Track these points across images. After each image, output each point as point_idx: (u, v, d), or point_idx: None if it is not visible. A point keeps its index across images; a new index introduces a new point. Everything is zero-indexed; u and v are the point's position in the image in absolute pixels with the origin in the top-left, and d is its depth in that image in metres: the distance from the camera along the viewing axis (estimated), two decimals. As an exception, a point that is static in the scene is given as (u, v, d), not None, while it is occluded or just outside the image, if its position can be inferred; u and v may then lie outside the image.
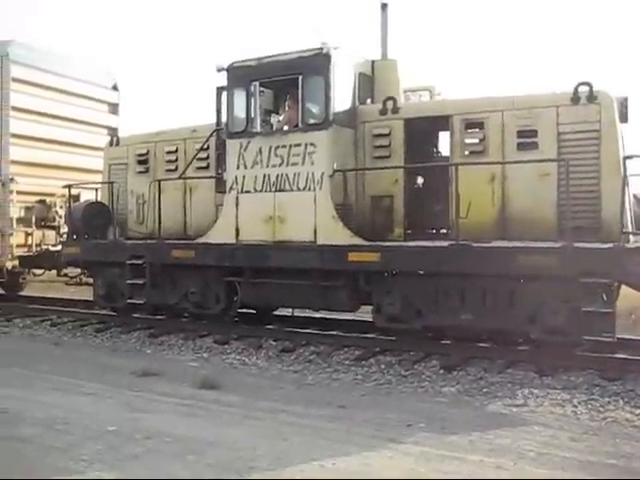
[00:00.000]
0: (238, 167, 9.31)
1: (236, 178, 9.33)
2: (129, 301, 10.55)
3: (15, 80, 12.32)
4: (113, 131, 14.04)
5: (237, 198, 9.33)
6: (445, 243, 7.98)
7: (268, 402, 6.50)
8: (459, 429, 5.63)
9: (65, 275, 12.61)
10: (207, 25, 42.08)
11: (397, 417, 5.97)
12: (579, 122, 7.80)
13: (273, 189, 9.03)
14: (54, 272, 13.05)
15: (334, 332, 9.69)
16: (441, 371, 7.70)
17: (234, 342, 9.39)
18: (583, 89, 7.77)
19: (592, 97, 7.72)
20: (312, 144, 8.72)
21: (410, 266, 8.20)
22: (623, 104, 8.02)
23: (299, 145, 8.83)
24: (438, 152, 9.23)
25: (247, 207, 9.24)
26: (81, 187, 12.45)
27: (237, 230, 9.34)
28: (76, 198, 12.55)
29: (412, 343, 8.61)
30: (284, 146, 8.94)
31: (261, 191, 9.12)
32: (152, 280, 10.27)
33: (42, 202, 12.79)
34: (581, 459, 4.92)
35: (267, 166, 9.07)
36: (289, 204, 8.91)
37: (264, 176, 9.09)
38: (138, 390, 6.97)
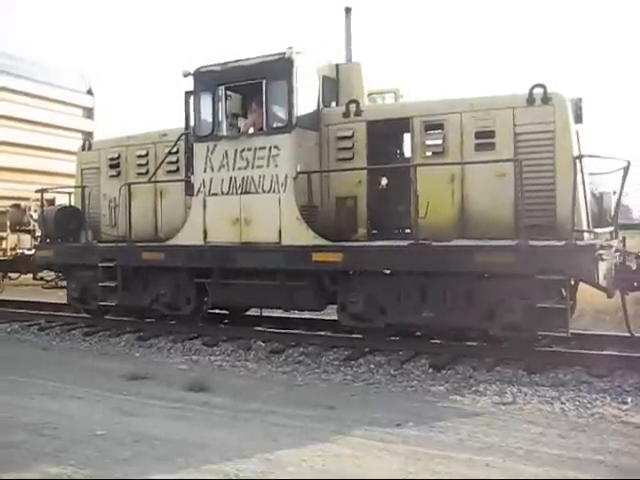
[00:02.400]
0: (205, 170, 9.44)
1: (203, 181, 9.46)
2: (101, 303, 10.65)
3: (-13, 86, 12.42)
4: (88, 135, 14.14)
5: (204, 200, 9.46)
6: (404, 242, 8.14)
7: (257, 403, 6.53)
8: (448, 428, 5.67)
9: (41, 279, 12.65)
10: (181, 29, 42.25)
11: (386, 416, 6.01)
12: (534, 123, 7.98)
13: (239, 191, 9.17)
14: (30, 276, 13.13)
15: (323, 332, 9.73)
16: (430, 370, 7.77)
17: (223, 344, 9.44)
18: (538, 91, 7.95)
19: (546, 99, 7.91)
20: (276, 147, 8.87)
21: (371, 265, 8.36)
22: (577, 105, 8.19)
23: (264, 148, 8.98)
24: (401, 153, 9.38)
25: (214, 209, 9.38)
26: (56, 191, 12.52)
27: (205, 232, 9.47)
28: (51, 202, 12.66)
29: (401, 343, 8.70)
30: (249, 149, 9.09)
31: (228, 194, 9.26)
32: (124, 282, 10.37)
33: (17, 206, 12.89)
34: (569, 456, 4.96)
35: (233, 169, 9.21)
36: (254, 206, 9.05)
37: (230, 179, 9.23)
38: (127, 393, 6.99)
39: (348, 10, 9.85)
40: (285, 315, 10.70)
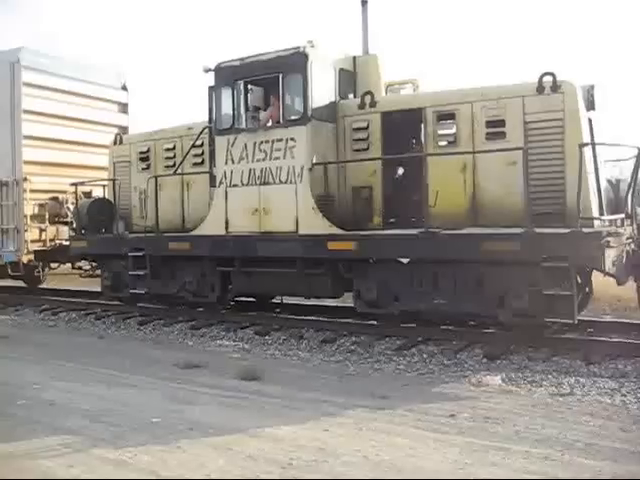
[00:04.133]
0: (226, 162, 9.77)
1: (224, 173, 9.80)
2: (131, 291, 11.15)
3: (26, 85, 13.05)
4: (123, 130, 14.65)
5: (226, 192, 9.80)
6: (415, 231, 8.31)
7: (310, 392, 6.50)
8: (504, 419, 5.53)
9: (79, 268, 13.21)
10: (206, 22, 42.85)
11: (440, 407, 5.91)
12: (544, 111, 8.03)
13: (258, 182, 9.47)
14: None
15: (375, 322, 9.51)
16: (484, 360, 7.67)
17: (275, 333, 9.55)
18: (547, 79, 7.99)
19: (556, 87, 7.95)
20: (292, 139, 9.13)
21: (383, 253, 8.57)
22: (589, 92, 8.22)
23: (281, 140, 9.25)
24: (416, 144, 9.51)
25: (235, 200, 9.71)
26: (93, 184, 13.08)
27: (227, 222, 9.81)
28: (88, 195, 13.22)
29: (455, 332, 8.68)
30: (267, 141, 9.38)
31: (247, 185, 9.57)
32: (152, 271, 10.84)
33: (55, 199, 13.49)
34: (632, 450, 4.75)
35: (252, 161, 9.51)
36: (273, 197, 9.35)
37: (250, 170, 9.54)
38: (181, 382, 7.05)
39: (364, 2, 10.00)
40: (336, 303, 10.80)
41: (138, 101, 15.70)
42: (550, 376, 6.93)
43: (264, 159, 9.41)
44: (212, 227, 10.00)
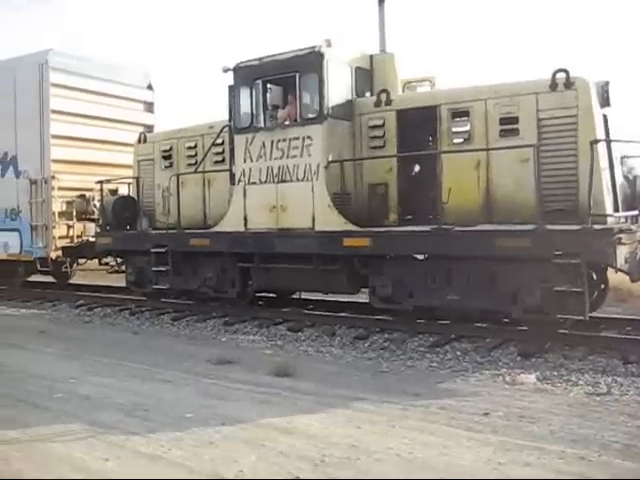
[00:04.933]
0: (245, 160, 9.97)
1: (243, 171, 10.00)
2: (154, 286, 11.43)
3: (54, 85, 13.42)
4: (149, 128, 14.94)
5: (245, 189, 10.00)
6: (428, 228, 8.41)
7: (342, 389, 6.49)
8: (539, 418, 5.43)
9: (106, 264, 13.54)
10: (229, 22, 43.15)
11: (474, 405, 5.85)
12: (557, 108, 8.05)
13: (276, 180, 9.65)
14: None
15: (411, 319, 9.34)
16: (519, 358, 7.59)
17: (307, 329, 9.55)
18: (560, 76, 8.01)
19: (569, 83, 7.96)
20: (309, 137, 9.29)
21: (397, 250, 8.68)
22: (604, 88, 8.21)
23: (297, 138, 9.41)
24: (431, 141, 9.58)
25: (253, 197, 9.91)
26: (119, 182, 13.41)
27: (245, 219, 10.01)
28: (114, 192, 13.56)
29: (489, 330, 8.65)
30: (284, 140, 9.55)
31: (265, 182, 9.76)
32: (174, 267, 11.11)
33: (82, 197, 13.85)
34: None
35: (270, 159, 9.69)
36: (290, 194, 9.52)
37: (267, 168, 9.72)
38: (214, 377, 7.08)
39: (381, 1, 10.10)
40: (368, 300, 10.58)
41: (163, 100, 15.99)
42: (586, 375, 6.83)
43: (281, 157, 9.58)
44: (231, 224, 10.21)
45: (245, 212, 10.01)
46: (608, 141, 7.90)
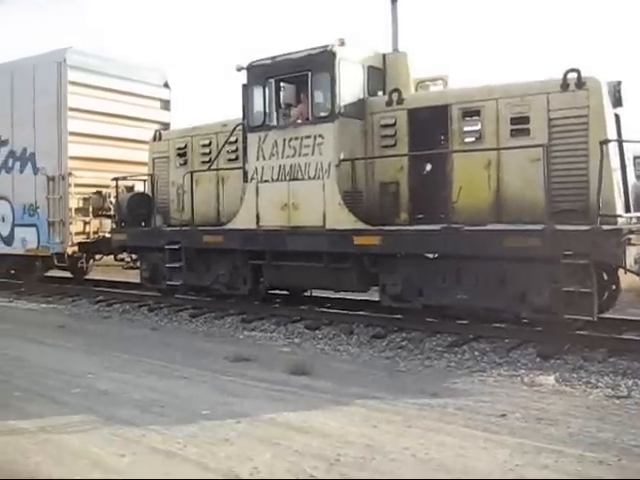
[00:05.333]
0: (257, 158, 10.06)
1: (256, 169, 10.09)
2: (168, 283, 11.57)
3: (72, 83, 13.63)
4: (165, 126, 15.11)
5: (257, 187, 10.09)
6: (437, 227, 8.44)
7: (359, 388, 6.46)
8: (557, 420, 5.35)
9: (122, 260, 13.72)
10: (244, 21, 43.33)
11: (491, 406, 5.79)
12: (568, 108, 8.03)
13: (287, 178, 9.72)
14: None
15: (427, 318, 9.32)
16: (538, 359, 7.50)
17: (325, 328, 9.50)
18: (572, 75, 7.99)
19: (580, 83, 7.94)
20: (320, 136, 9.36)
21: (407, 248, 8.73)
22: (616, 88, 8.18)
23: (309, 137, 9.48)
24: (442, 140, 9.59)
25: (266, 195, 9.99)
26: (136, 179, 13.58)
27: (257, 216, 10.10)
28: (130, 189, 13.74)
29: (507, 330, 8.55)
30: (296, 138, 9.62)
31: (277, 180, 9.84)
32: (188, 263, 11.24)
33: (98, 193, 14.03)
34: None
35: (282, 157, 9.77)
36: (301, 192, 9.59)
37: (280, 166, 9.80)
38: (231, 375, 7.08)
39: (394, 0, 10.13)
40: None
41: (181, 98, 16.14)
42: (606, 377, 6.72)
43: (293, 155, 9.65)
44: (244, 221, 10.31)
45: (257, 210, 10.10)
46: (618, 141, 7.87)
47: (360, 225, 9.06)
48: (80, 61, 13.77)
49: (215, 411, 5.74)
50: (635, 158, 8.77)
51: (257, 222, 10.12)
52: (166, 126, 15.12)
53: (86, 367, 7.50)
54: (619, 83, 8.18)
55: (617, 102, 8.19)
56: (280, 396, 6.24)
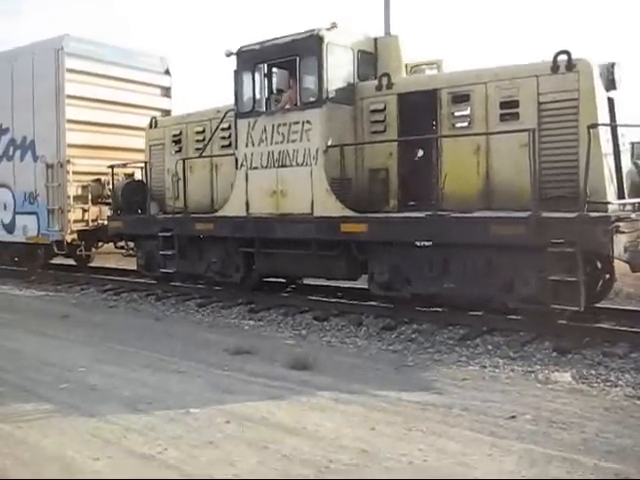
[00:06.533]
0: (247, 145, 9.94)
1: (245, 155, 9.97)
2: (161, 270, 11.53)
3: (70, 71, 13.58)
4: (166, 113, 15.03)
5: (247, 174, 9.98)
6: (422, 214, 8.26)
7: (360, 385, 6.14)
8: (571, 424, 4.95)
9: (122, 247, 13.70)
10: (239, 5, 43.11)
11: (500, 407, 5.41)
12: (558, 91, 7.80)
13: (276, 165, 9.59)
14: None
15: (439, 309, 9.05)
16: (554, 354, 7.12)
17: (334, 319, 9.23)
18: (562, 58, 7.74)
19: (571, 65, 7.69)
20: (308, 122, 9.20)
21: (393, 236, 8.54)
22: (609, 71, 7.90)
23: (297, 123, 9.33)
24: (431, 125, 9.39)
25: (255, 182, 9.88)
26: (134, 166, 13.54)
27: (247, 204, 10.00)
28: (130, 176, 13.70)
29: (523, 322, 8.11)
30: (285, 124, 9.47)
31: (266, 167, 9.71)
32: (181, 251, 11.19)
33: (97, 181, 14.03)
34: None
35: (271, 143, 9.63)
36: (289, 179, 9.46)
37: (268, 153, 9.67)
38: (228, 369, 6.82)
39: (387, -17, 9.92)
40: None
41: (184, 84, 16.05)
42: (627, 375, 6.31)
43: (282, 142, 9.51)
44: (234, 208, 10.21)
45: (247, 197, 9.99)
46: (607, 125, 7.60)
47: (347, 212, 8.90)
48: (78, 48, 13.71)
49: (205, 409, 5.50)
50: (634, 144, 8.52)
51: (247, 209, 10.01)
52: (167, 113, 15.03)
53: (80, 360, 7.31)
54: (612, 65, 7.90)
55: (610, 85, 7.91)
56: (276, 393, 5.95)
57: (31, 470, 4.39)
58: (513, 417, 5.15)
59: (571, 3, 30.95)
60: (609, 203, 7.44)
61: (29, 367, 7.09)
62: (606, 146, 7.68)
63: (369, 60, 9.75)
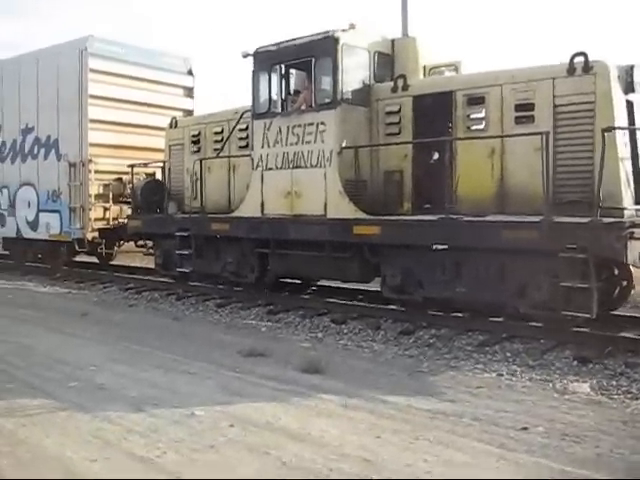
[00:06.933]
0: (262, 146, 9.96)
1: (261, 156, 9.99)
2: (178, 269, 11.62)
3: (93, 71, 13.77)
4: (189, 113, 15.16)
5: (262, 175, 10.00)
6: (434, 217, 8.18)
7: (371, 391, 6.00)
8: (585, 438, 4.73)
9: (142, 246, 13.82)
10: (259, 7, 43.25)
11: (513, 417, 5.22)
12: (574, 94, 7.66)
13: (291, 166, 9.60)
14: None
15: (459, 314, 8.86)
16: (574, 363, 6.90)
17: (352, 322, 9.12)
18: (579, 60, 7.60)
19: (588, 67, 7.55)
20: (322, 123, 9.19)
21: (405, 239, 8.47)
22: (628, 73, 7.73)
23: (312, 124, 9.32)
24: (446, 128, 9.29)
25: (270, 183, 9.89)
26: (154, 166, 13.66)
27: (262, 204, 10.02)
28: (152, 176, 13.82)
29: (544, 330, 7.86)
30: (300, 125, 9.47)
31: (281, 168, 9.72)
32: (197, 250, 11.26)
33: (119, 180, 14.18)
34: None
35: (286, 144, 9.64)
36: (304, 180, 9.46)
37: (283, 154, 9.68)
38: (240, 371, 6.74)
39: (405, -16, 9.85)
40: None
41: (206, 84, 16.15)
42: None
43: (297, 143, 9.52)
44: (249, 209, 10.24)
45: (262, 198, 10.02)
46: (624, 129, 7.43)
47: (360, 214, 8.86)
48: (102, 49, 13.90)
49: (211, 412, 5.41)
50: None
51: (262, 210, 10.03)
52: (189, 113, 15.14)
53: (93, 359, 7.28)
54: (632, 67, 7.72)
55: (629, 88, 7.73)
56: (284, 397, 5.84)
57: (28, 471, 4.37)
58: (525, 429, 4.97)
59: (596, 4, 30.37)
60: (625, 209, 7.29)
61: (41, 364, 7.12)
62: (623, 150, 7.51)
63: (386, 61, 9.70)
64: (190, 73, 15.75)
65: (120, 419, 5.28)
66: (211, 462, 4.41)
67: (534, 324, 8.13)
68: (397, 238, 8.58)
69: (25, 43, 41.64)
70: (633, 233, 6.92)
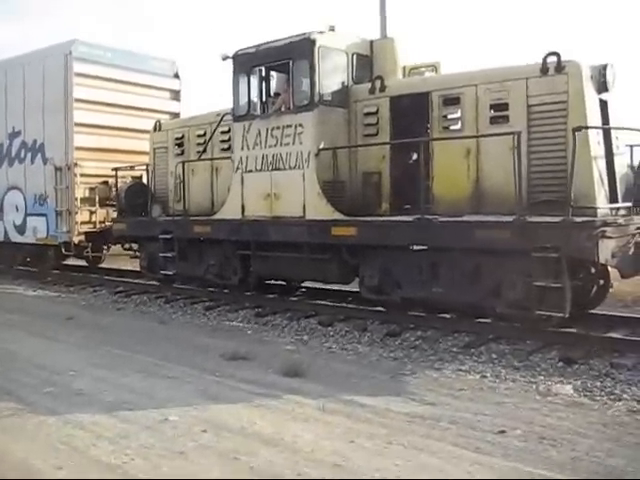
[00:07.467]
0: (242, 148, 9.99)
1: (241, 158, 10.01)
2: (162, 272, 11.63)
3: (78, 75, 13.79)
4: (175, 116, 15.18)
5: (242, 177, 10.02)
6: (410, 218, 8.19)
7: (350, 394, 5.92)
8: (563, 441, 4.66)
9: (129, 249, 13.83)
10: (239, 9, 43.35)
11: (491, 420, 5.15)
12: (547, 93, 7.70)
13: (270, 168, 9.62)
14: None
15: (447, 315, 8.82)
16: (560, 364, 6.84)
17: (339, 324, 9.05)
18: (552, 59, 7.63)
19: (560, 67, 7.57)
20: (300, 125, 9.21)
21: (381, 240, 8.49)
22: (601, 72, 7.75)
23: (290, 126, 9.34)
24: (423, 129, 9.30)
25: (250, 185, 9.92)
26: (139, 169, 13.67)
27: (243, 207, 10.04)
28: (139, 179, 13.84)
29: (531, 331, 7.76)
30: (278, 127, 9.49)
31: (260, 170, 9.74)
32: (180, 253, 11.27)
33: (105, 183, 14.19)
34: None
35: (265, 147, 9.66)
36: (283, 182, 9.47)
37: (263, 156, 9.70)
38: (220, 375, 6.69)
39: (382, -15, 9.87)
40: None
41: (192, 88, 16.16)
42: (634, 388, 5.97)
43: (275, 145, 9.54)
44: (230, 211, 10.26)
45: (242, 200, 10.03)
46: (596, 128, 7.44)
47: (338, 215, 8.88)
48: (87, 53, 13.92)
49: (185, 417, 5.35)
50: (632, 147, 8.33)
51: (242, 212, 10.05)
52: (176, 116, 15.17)
53: (72, 363, 7.22)
54: (604, 67, 7.75)
55: (602, 87, 7.77)
56: (261, 401, 5.79)
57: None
58: (502, 432, 4.90)
59: (575, 3, 30.35)
60: (597, 208, 7.30)
61: (19, 369, 7.06)
62: (597, 149, 7.53)
63: (365, 63, 9.71)
64: (177, 76, 15.78)
65: (92, 425, 5.22)
66: (177, 468, 4.36)
67: (520, 325, 8.00)
68: (374, 239, 8.59)
69: (25, 44, 41.65)
70: (605, 232, 6.93)
